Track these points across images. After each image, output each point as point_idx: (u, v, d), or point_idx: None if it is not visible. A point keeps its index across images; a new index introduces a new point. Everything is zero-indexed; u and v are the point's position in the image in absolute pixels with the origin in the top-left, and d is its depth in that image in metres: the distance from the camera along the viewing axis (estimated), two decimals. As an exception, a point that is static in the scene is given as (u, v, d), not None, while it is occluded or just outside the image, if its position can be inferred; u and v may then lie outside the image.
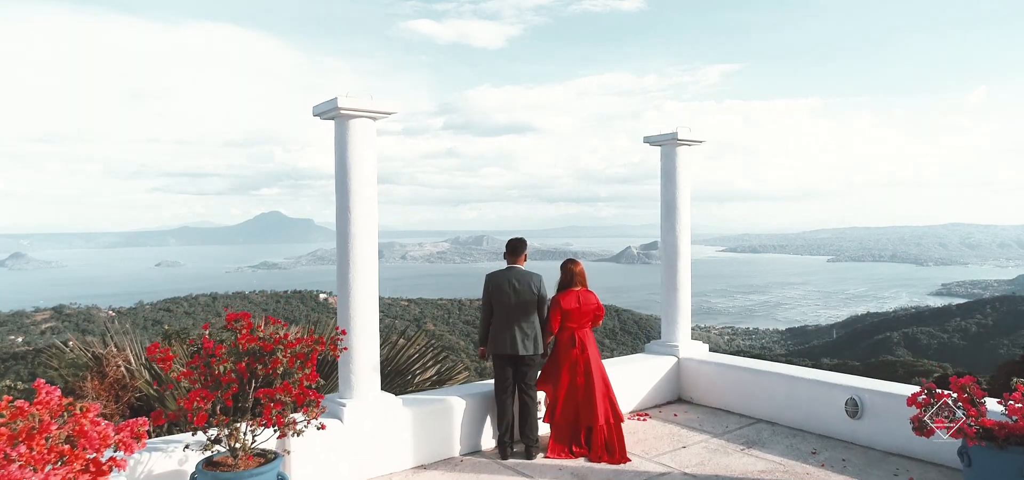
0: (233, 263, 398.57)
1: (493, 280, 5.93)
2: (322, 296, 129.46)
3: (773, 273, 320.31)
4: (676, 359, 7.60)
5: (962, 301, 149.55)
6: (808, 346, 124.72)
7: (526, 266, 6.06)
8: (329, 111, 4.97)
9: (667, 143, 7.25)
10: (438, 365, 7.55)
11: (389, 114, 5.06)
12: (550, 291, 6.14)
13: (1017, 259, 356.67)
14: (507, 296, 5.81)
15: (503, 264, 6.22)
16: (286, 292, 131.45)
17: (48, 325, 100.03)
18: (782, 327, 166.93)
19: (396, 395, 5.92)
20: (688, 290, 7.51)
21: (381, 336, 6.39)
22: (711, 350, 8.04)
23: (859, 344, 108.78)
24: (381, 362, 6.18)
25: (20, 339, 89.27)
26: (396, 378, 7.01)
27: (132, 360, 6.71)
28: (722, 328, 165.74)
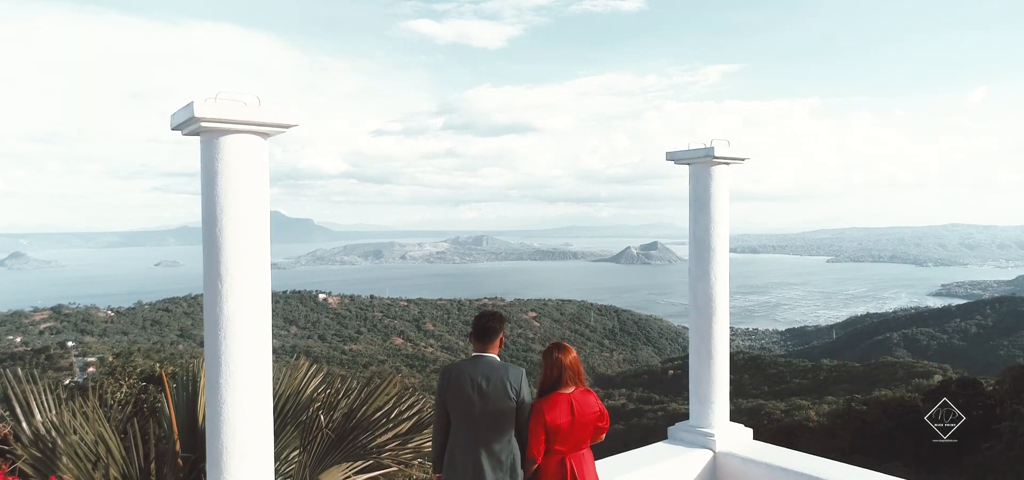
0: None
1: (451, 377, 3.79)
2: (322, 296, 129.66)
3: (773, 273, 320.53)
4: (712, 454, 5.46)
5: (962, 302, 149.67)
6: (808, 347, 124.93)
7: (502, 354, 3.93)
8: (188, 123, 3.15)
9: (698, 161, 5.34)
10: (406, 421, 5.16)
11: (286, 127, 3.25)
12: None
13: (1017, 260, 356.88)
14: (469, 401, 3.71)
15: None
16: (285, 292, 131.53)
17: (47, 325, 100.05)
18: (782, 327, 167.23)
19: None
20: (726, 356, 5.54)
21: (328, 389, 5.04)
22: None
23: (859, 345, 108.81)
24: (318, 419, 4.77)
25: (19, 339, 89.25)
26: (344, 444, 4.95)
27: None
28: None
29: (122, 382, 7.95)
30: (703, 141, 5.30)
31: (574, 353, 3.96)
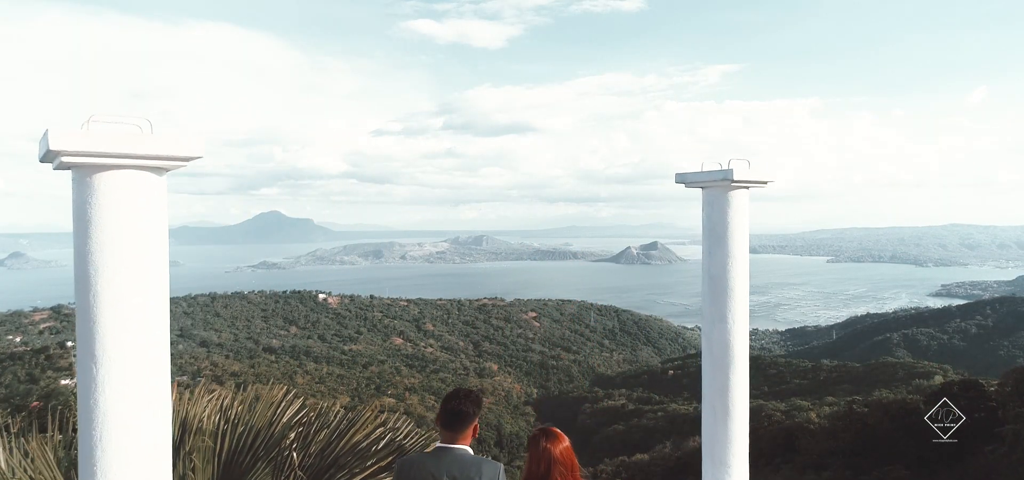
0: (232, 263, 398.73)
1: (407, 474, 2.96)
2: (322, 296, 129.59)
3: (773, 273, 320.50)
4: None
5: (962, 302, 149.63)
6: (808, 347, 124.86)
7: (473, 445, 3.01)
8: (50, 157, 2.33)
9: (714, 185, 4.58)
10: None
11: (186, 160, 2.42)
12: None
13: (1017, 260, 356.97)
14: None
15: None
16: (285, 292, 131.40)
17: (46, 325, 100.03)
18: (782, 328, 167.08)
19: None
20: (745, 413, 4.71)
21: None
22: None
23: (859, 345, 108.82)
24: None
25: (18, 339, 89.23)
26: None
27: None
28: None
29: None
30: (719, 161, 4.48)
31: (566, 442, 3.18)
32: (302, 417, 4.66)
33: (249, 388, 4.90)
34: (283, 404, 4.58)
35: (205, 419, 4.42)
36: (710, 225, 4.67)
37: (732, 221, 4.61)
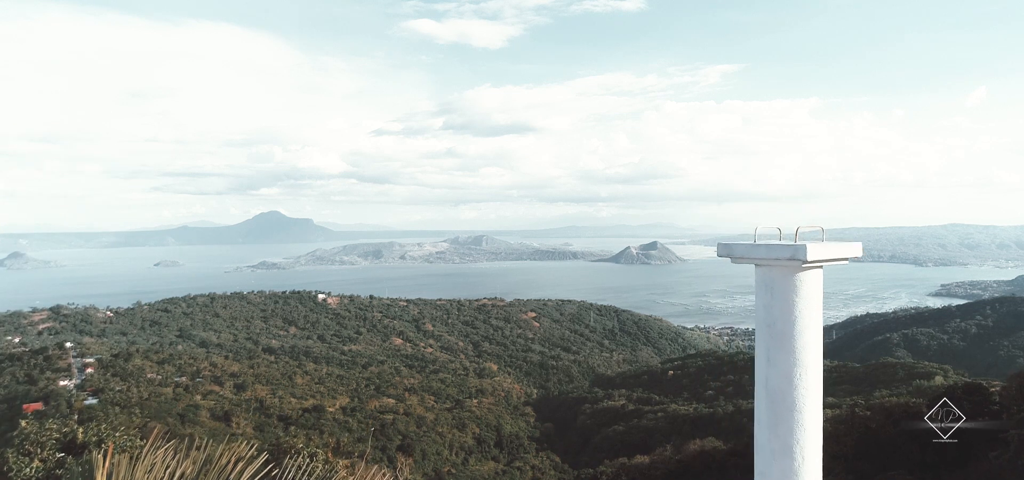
0: (232, 263, 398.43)
1: None
2: (321, 297, 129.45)
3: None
4: None
5: (962, 302, 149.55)
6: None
7: None
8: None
9: (777, 265, 3.29)
10: None
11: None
12: None
13: (1016, 260, 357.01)
14: None
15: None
16: (285, 292, 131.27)
17: (45, 326, 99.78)
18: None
19: None
20: None
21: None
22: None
23: (859, 345, 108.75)
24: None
25: (17, 340, 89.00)
26: None
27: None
28: (721, 329, 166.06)
29: (34, 454, 6.43)
30: (777, 225, 3.32)
31: None
32: (272, 466, 3.93)
33: (203, 446, 4.07)
34: (238, 468, 3.85)
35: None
36: (769, 318, 3.36)
37: (802, 313, 3.33)
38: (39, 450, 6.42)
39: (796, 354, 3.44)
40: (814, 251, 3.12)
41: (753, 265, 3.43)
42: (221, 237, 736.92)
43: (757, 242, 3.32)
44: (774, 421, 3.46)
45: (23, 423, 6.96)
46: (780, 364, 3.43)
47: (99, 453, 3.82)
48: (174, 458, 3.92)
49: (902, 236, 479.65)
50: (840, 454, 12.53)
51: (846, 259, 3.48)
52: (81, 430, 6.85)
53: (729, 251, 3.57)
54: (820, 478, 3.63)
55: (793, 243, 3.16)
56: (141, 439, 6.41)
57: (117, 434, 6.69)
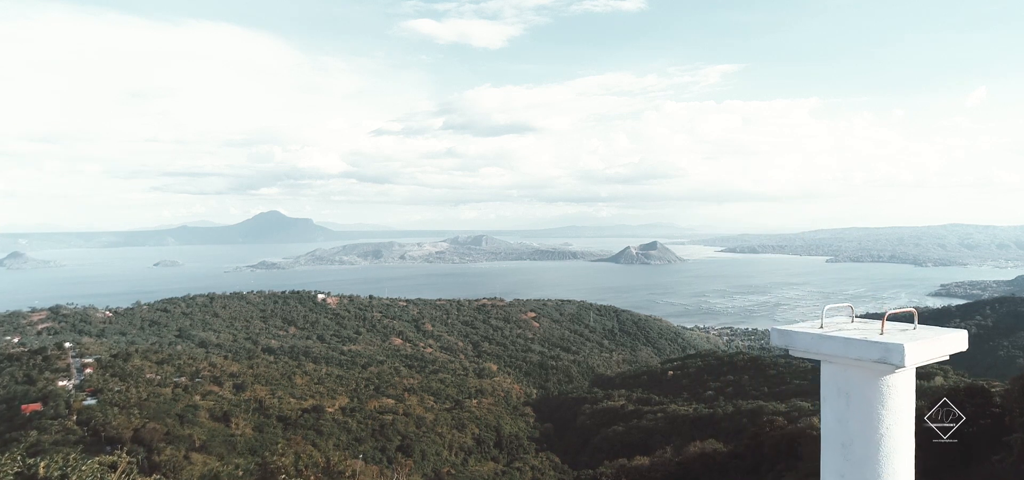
0: (231, 263, 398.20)
1: None
2: (321, 297, 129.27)
3: (773, 273, 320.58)
4: None
5: (961, 302, 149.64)
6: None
7: None
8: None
9: (851, 364, 2.51)
10: None
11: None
12: None
13: (1016, 260, 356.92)
14: None
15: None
16: (284, 292, 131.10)
17: (44, 326, 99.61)
18: (782, 327, 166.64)
19: None
20: None
21: None
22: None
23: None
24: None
25: (16, 340, 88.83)
26: None
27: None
28: (721, 328, 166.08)
29: None
30: (849, 308, 2.75)
31: None
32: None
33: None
34: None
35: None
36: (844, 435, 2.49)
37: (890, 431, 2.46)
38: None
39: (878, 462, 2.50)
40: (914, 353, 2.20)
41: (824, 363, 2.49)
42: (221, 237, 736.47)
43: (825, 326, 2.45)
44: None
45: None
46: (871, 471, 2.47)
47: None
48: None
49: (902, 236, 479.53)
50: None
51: (941, 359, 2.59)
52: (42, 465, 6.25)
53: (788, 341, 2.65)
54: None
55: (883, 339, 2.26)
56: (111, 471, 6.02)
57: (83, 469, 6.25)
